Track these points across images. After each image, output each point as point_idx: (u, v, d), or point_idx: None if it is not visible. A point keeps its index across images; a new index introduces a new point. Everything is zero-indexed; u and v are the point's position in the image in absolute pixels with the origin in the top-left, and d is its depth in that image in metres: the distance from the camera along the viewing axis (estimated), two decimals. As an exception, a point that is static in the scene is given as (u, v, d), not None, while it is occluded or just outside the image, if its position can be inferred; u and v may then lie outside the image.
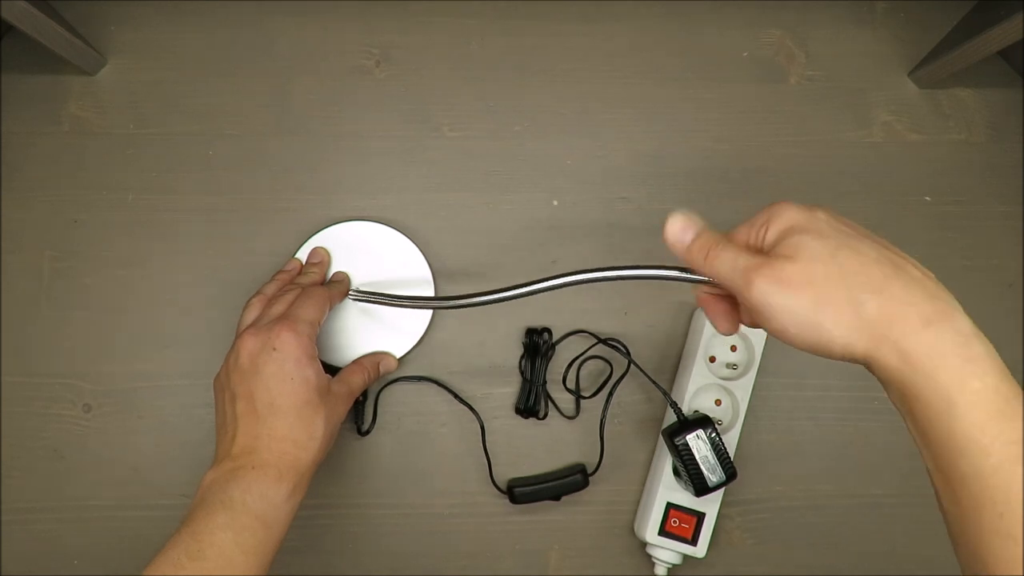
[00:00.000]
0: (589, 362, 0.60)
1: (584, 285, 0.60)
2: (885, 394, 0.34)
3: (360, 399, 0.57)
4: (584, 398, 0.59)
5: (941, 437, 0.31)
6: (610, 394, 0.58)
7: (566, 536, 0.59)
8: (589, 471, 0.58)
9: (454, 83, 0.62)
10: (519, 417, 0.59)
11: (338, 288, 0.55)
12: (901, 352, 0.32)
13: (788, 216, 0.35)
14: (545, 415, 0.59)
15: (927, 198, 0.62)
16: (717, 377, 0.56)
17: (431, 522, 0.58)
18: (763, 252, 0.36)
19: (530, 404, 0.58)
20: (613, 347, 0.58)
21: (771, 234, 0.36)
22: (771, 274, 0.34)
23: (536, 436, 0.59)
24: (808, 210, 0.36)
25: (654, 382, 0.55)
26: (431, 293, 0.58)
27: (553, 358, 0.59)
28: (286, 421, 0.46)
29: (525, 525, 0.58)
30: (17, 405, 0.57)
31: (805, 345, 0.34)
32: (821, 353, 0.34)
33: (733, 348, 0.57)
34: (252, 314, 0.51)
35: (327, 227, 0.58)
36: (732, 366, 0.57)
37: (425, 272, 0.58)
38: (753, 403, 0.56)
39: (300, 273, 0.56)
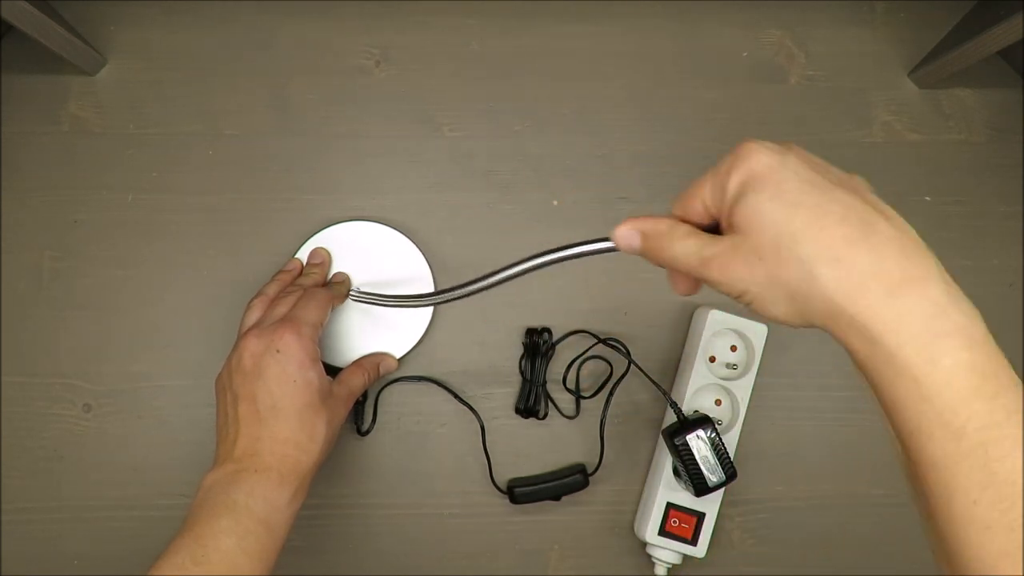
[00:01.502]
0: (589, 362, 0.60)
1: (584, 284, 0.60)
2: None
3: (360, 399, 0.57)
4: (584, 398, 0.59)
5: (909, 420, 0.28)
6: (610, 394, 0.58)
7: (566, 536, 0.59)
8: (589, 471, 0.58)
9: (454, 83, 0.62)
10: (519, 417, 0.59)
11: (339, 289, 0.55)
12: (860, 328, 0.28)
13: (751, 163, 0.31)
14: (545, 415, 0.59)
15: (927, 198, 0.62)
16: (717, 377, 0.56)
17: (431, 522, 0.58)
18: (724, 211, 0.33)
19: (530, 404, 0.58)
20: (613, 347, 0.58)
21: (732, 185, 0.32)
22: (722, 262, 0.32)
23: (536, 436, 0.59)
24: (778, 153, 0.31)
25: (654, 382, 0.55)
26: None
27: (553, 358, 0.59)
28: (288, 424, 0.46)
29: (525, 525, 0.58)
30: (17, 405, 0.57)
31: (764, 316, 0.32)
32: (782, 324, 0.32)
33: (733, 348, 0.57)
34: (254, 315, 0.51)
35: (327, 227, 0.58)
36: (732, 366, 0.57)
37: (425, 272, 0.58)
38: (753, 403, 0.56)
39: (301, 274, 0.56)
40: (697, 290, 0.37)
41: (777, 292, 0.30)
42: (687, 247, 0.34)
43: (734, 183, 0.32)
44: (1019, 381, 0.27)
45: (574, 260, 0.41)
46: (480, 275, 0.44)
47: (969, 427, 0.27)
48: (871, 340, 0.28)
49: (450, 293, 0.48)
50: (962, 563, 0.27)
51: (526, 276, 0.55)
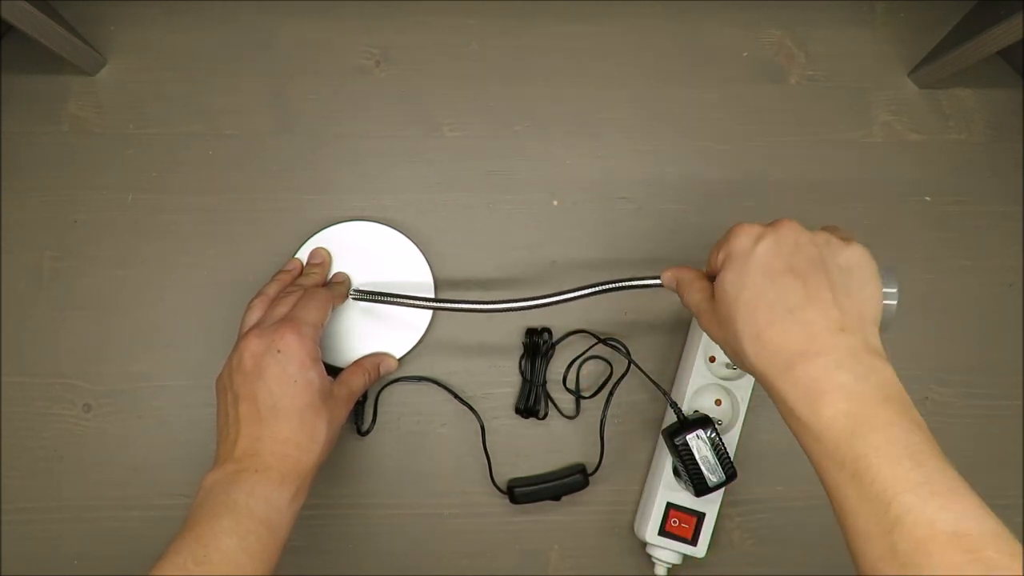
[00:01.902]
0: (589, 362, 0.60)
1: (583, 284, 0.60)
2: None
3: (360, 399, 0.57)
4: (584, 398, 0.59)
5: (810, 457, 0.37)
6: (610, 394, 0.58)
7: (566, 536, 0.59)
8: (589, 471, 0.58)
9: (454, 83, 0.62)
10: (519, 417, 0.59)
11: (339, 289, 0.55)
12: (772, 390, 0.38)
13: (731, 244, 0.40)
14: (545, 415, 0.59)
15: (927, 198, 0.62)
16: (717, 377, 0.56)
17: (431, 522, 0.58)
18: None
19: (530, 404, 0.58)
20: (613, 347, 0.58)
21: (720, 259, 0.41)
22: (706, 319, 0.42)
23: (536, 436, 0.59)
24: (754, 239, 0.39)
25: (654, 382, 0.55)
26: (431, 293, 0.58)
27: (553, 358, 0.59)
28: (288, 424, 0.46)
29: (525, 525, 0.58)
30: (17, 405, 0.57)
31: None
32: None
33: (733, 348, 0.57)
34: (255, 315, 0.51)
35: (327, 227, 0.58)
36: (732, 366, 0.57)
37: (425, 272, 0.58)
38: (753, 403, 0.56)
39: (301, 274, 0.56)
40: None
41: (729, 351, 0.40)
42: (694, 298, 0.43)
43: (720, 257, 0.41)
44: (898, 422, 0.34)
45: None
46: (488, 299, 0.48)
47: (847, 460, 0.34)
48: (779, 399, 0.37)
49: (449, 304, 0.50)
50: (857, 567, 0.35)
51: (526, 277, 0.56)
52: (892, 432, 0.34)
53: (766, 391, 0.39)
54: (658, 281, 0.47)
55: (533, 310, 0.58)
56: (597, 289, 0.49)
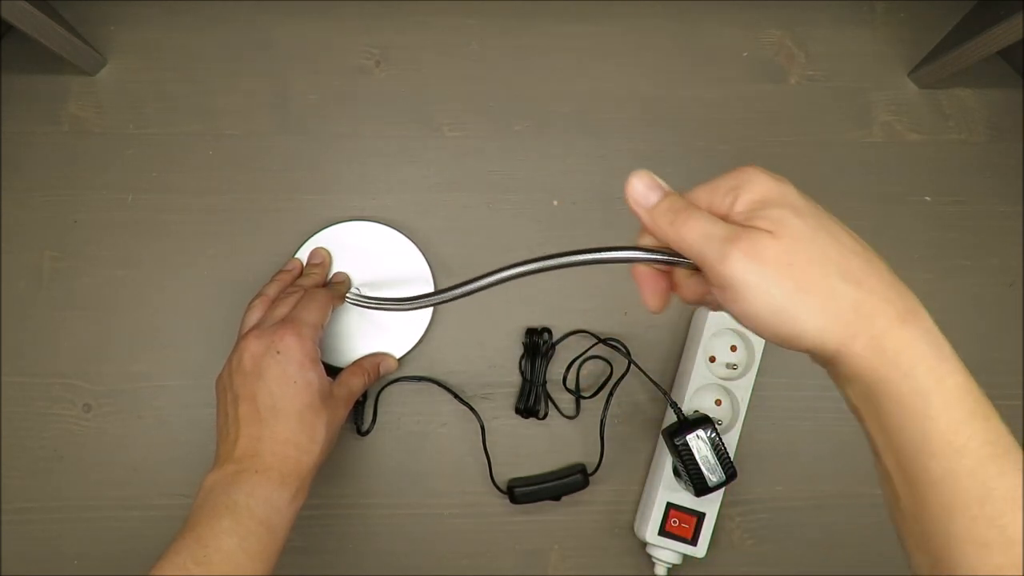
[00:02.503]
0: (589, 362, 0.60)
1: (584, 284, 0.60)
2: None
3: (360, 399, 0.57)
4: (584, 398, 0.59)
5: (913, 438, 0.29)
6: (610, 394, 0.58)
7: (566, 536, 0.59)
8: (589, 471, 0.58)
9: (454, 83, 0.62)
10: (519, 417, 0.59)
11: (339, 290, 0.55)
12: (878, 347, 0.30)
13: (761, 186, 0.32)
14: (545, 415, 0.59)
15: (927, 198, 0.62)
16: (717, 377, 0.56)
17: (431, 522, 0.58)
18: (730, 221, 0.32)
19: (530, 404, 0.58)
20: (613, 347, 0.58)
21: (741, 203, 0.32)
22: (751, 248, 0.30)
23: (536, 436, 0.59)
24: (778, 182, 0.32)
25: (654, 382, 0.55)
26: (431, 293, 0.58)
27: (553, 358, 0.59)
28: (288, 424, 0.46)
29: (525, 525, 0.58)
30: (17, 405, 0.57)
31: (772, 331, 0.31)
32: (787, 342, 0.31)
33: (733, 348, 0.57)
34: (255, 316, 0.51)
35: (327, 227, 0.58)
36: (732, 366, 0.57)
37: (425, 272, 0.58)
38: (753, 403, 0.56)
39: (301, 274, 0.56)
40: (665, 306, 0.36)
41: (793, 301, 0.30)
42: (710, 221, 0.32)
43: (745, 200, 0.32)
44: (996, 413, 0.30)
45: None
46: (477, 275, 0.43)
47: (971, 445, 0.29)
48: (887, 360, 0.30)
49: (446, 293, 0.47)
50: (951, 568, 0.29)
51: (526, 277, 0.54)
52: (1001, 423, 0.30)
53: (843, 357, 0.30)
54: (685, 260, 0.34)
55: (533, 310, 0.58)
56: (599, 256, 0.37)
